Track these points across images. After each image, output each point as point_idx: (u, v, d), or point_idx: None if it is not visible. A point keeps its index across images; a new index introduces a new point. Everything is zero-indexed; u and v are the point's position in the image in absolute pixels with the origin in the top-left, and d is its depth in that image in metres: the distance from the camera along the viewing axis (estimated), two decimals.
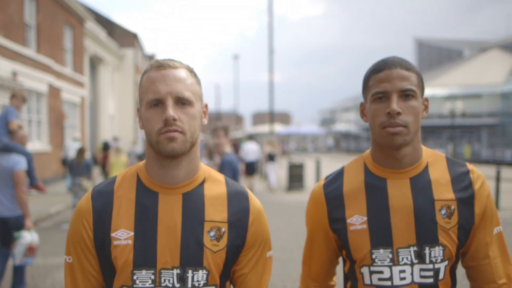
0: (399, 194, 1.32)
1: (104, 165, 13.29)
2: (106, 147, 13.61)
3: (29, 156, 4.48)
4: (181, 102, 1.16)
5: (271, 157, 15.32)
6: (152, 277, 1.16)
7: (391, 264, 1.29)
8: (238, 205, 1.26)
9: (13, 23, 12.99)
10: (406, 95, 1.27)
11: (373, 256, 1.31)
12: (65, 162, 13.53)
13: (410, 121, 1.26)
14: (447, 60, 57.39)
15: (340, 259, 1.51)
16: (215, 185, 1.27)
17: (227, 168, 4.39)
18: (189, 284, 1.16)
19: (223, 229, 1.21)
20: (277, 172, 16.97)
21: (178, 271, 1.16)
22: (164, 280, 1.16)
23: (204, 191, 1.24)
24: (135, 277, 1.16)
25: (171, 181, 1.21)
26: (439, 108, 34.67)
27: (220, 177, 1.31)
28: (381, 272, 1.30)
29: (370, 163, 1.40)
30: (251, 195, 1.30)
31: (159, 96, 1.15)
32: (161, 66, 1.18)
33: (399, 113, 1.25)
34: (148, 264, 1.16)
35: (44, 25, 15.19)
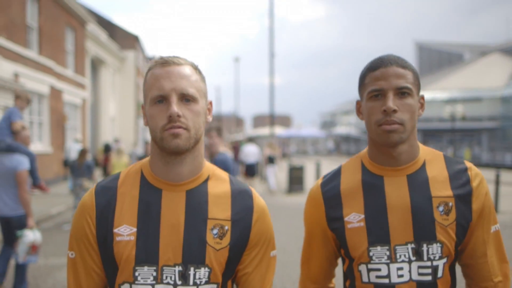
0: (396, 192, 1.32)
1: (105, 167, 13.36)
2: (107, 149, 13.68)
3: (32, 156, 4.52)
4: (186, 98, 1.16)
5: (270, 160, 15.28)
6: (154, 273, 1.15)
7: (388, 261, 1.29)
8: (242, 204, 1.25)
9: (15, 25, 13.02)
10: (402, 93, 1.27)
11: (371, 254, 1.30)
12: (66, 163, 13.55)
13: (406, 118, 1.26)
14: (447, 64, 57.44)
15: (340, 260, 1.50)
16: (219, 183, 1.27)
17: (220, 168, 4.46)
18: (191, 282, 1.15)
19: (226, 227, 1.20)
20: (277, 175, 16.95)
21: (180, 268, 1.15)
22: (166, 277, 1.15)
23: (208, 188, 1.23)
24: (137, 274, 1.15)
25: (175, 178, 1.20)
26: (439, 112, 34.66)
27: (225, 175, 1.31)
28: (379, 270, 1.29)
29: (367, 161, 1.40)
30: (255, 193, 1.29)
31: (163, 93, 1.15)
32: (165, 62, 1.18)
33: (395, 111, 1.25)
34: (150, 261, 1.15)
35: (46, 27, 15.23)
